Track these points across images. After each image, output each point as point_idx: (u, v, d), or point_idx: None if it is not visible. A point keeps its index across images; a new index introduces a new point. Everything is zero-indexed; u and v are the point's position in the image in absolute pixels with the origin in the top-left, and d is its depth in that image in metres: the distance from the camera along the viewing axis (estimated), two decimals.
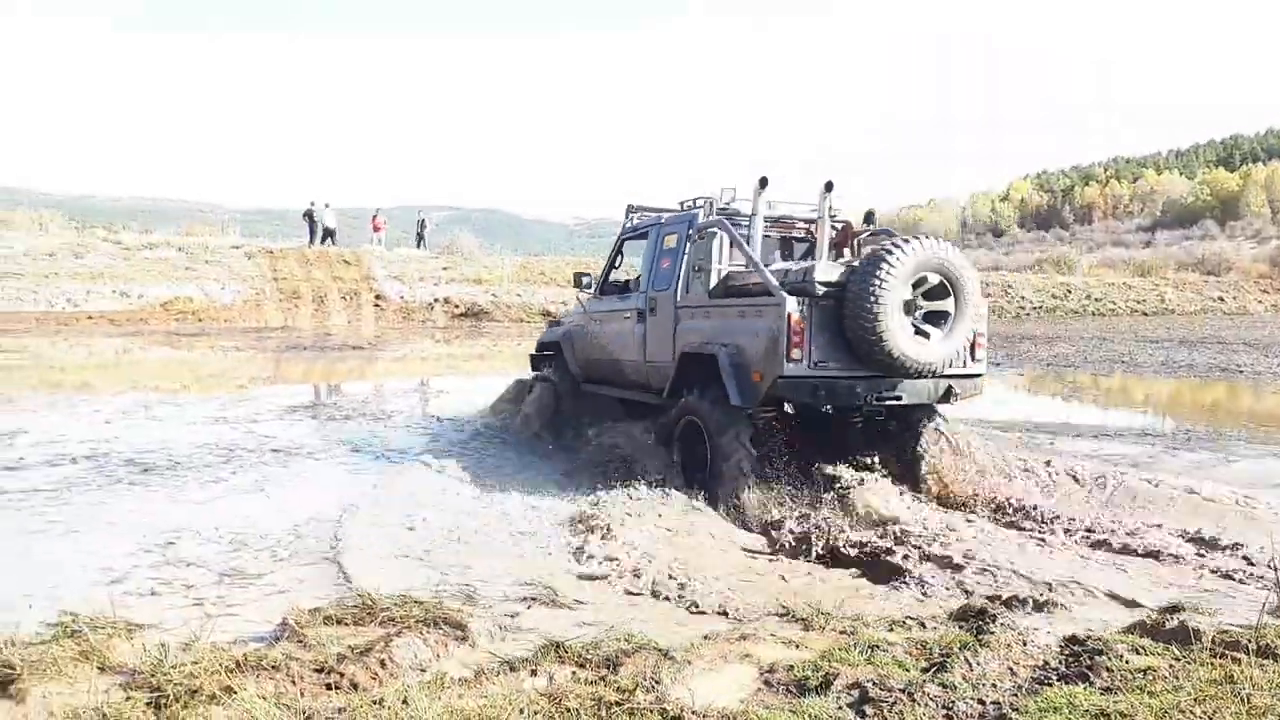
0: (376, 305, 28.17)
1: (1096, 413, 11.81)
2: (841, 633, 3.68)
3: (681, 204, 7.35)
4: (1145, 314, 38.32)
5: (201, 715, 2.74)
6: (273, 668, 3.06)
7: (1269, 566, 4.62)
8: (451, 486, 6.61)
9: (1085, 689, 3.02)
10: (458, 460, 7.50)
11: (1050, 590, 4.38)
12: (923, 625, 3.81)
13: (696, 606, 4.18)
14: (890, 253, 5.62)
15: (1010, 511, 5.99)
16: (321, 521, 5.52)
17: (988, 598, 4.16)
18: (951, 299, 5.85)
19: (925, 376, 5.90)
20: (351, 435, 8.78)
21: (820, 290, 5.76)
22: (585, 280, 8.39)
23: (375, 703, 2.86)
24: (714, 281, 6.66)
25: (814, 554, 5.13)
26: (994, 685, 3.11)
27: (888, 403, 6.00)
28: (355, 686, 3.01)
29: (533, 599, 4.16)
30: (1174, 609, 3.78)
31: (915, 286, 5.74)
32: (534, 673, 3.18)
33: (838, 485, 6.15)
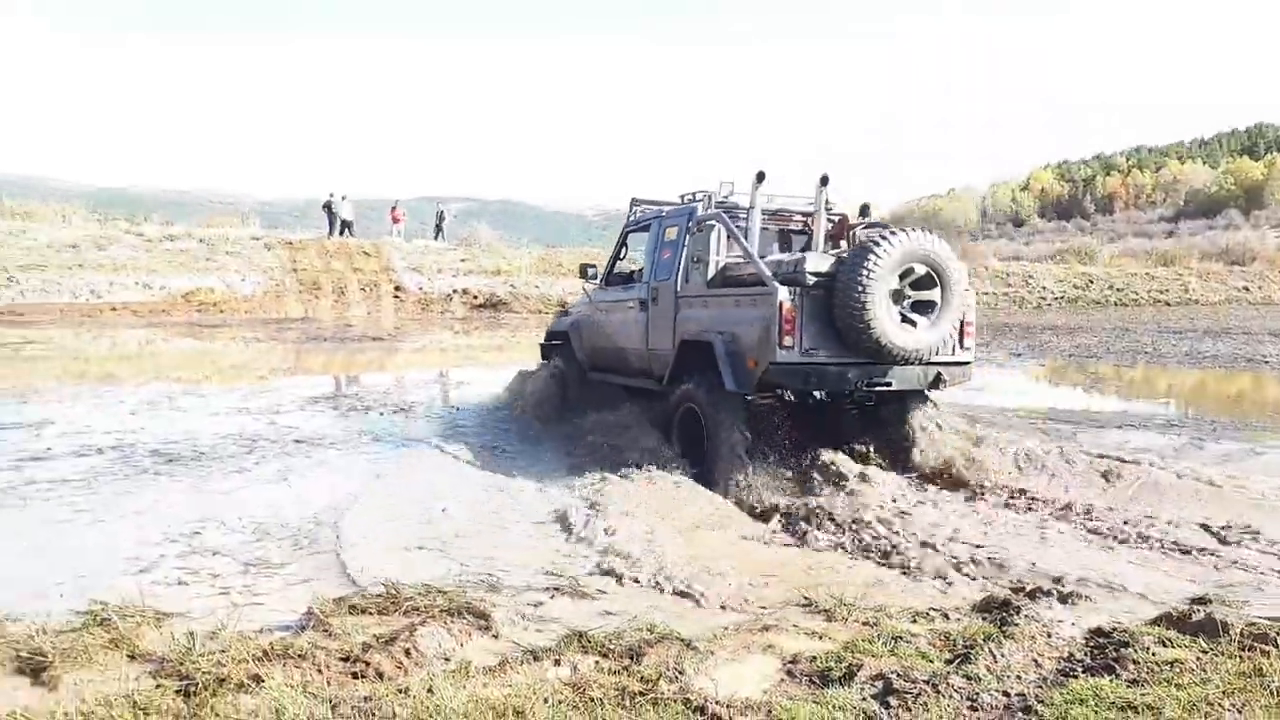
0: (396, 296, 28.26)
1: (1120, 403, 11.71)
2: (864, 624, 3.68)
3: (682, 197, 7.55)
4: (1168, 304, 37.93)
5: (230, 704, 2.76)
6: (299, 657, 3.09)
7: None
8: (470, 477, 6.64)
9: (1111, 681, 3.00)
10: (475, 450, 7.56)
11: (1057, 584, 4.35)
12: (945, 616, 3.80)
13: (706, 598, 4.13)
14: (877, 244, 5.84)
15: (1020, 498, 6.04)
16: (343, 511, 5.55)
17: (1011, 589, 4.14)
18: (938, 289, 6.05)
19: (913, 363, 6.11)
20: (373, 426, 8.83)
21: (811, 280, 5.98)
22: (591, 271, 8.66)
23: (401, 692, 2.88)
24: (712, 272, 6.86)
25: (822, 542, 5.14)
26: (1018, 677, 3.10)
27: (878, 389, 6.24)
28: (381, 675, 3.03)
29: (555, 589, 4.18)
30: (1201, 601, 3.76)
31: (902, 277, 5.96)
32: (557, 662, 3.19)
33: (835, 472, 6.25)
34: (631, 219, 8.36)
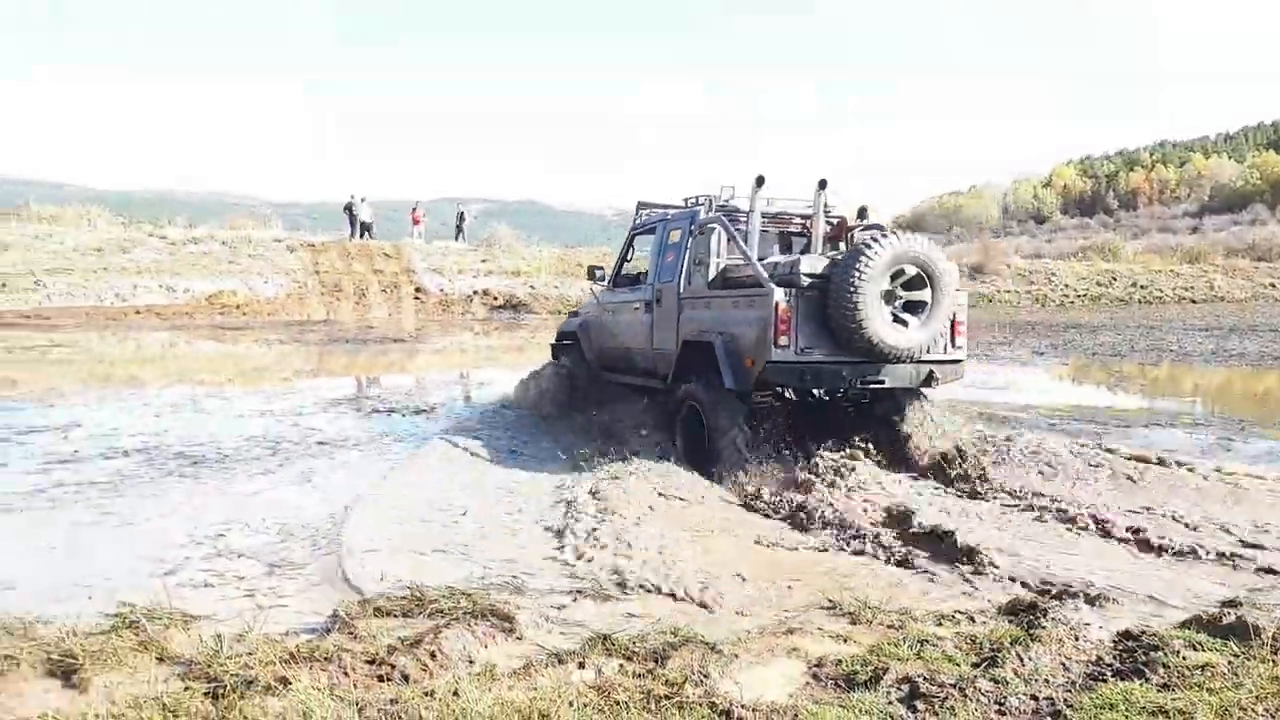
0: (416, 298, 28.40)
1: (1145, 402, 11.60)
2: (889, 627, 3.65)
3: (686, 201, 7.78)
4: (1194, 301, 37.53)
5: (258, 706, 2.78)
6: (325, 659, 3.10)
7: None
8: (484, 479, 6.60)
9: (1141, 685, 2.97)
10: (491, 451, 7.56)
11: (1082, 587, 4.31)
12: (971, 619, 3.77)
13: (722, 605, 4.08)
14: (869, 246, 6.04)
15: (1030, 498, 5.97)
16: (359, 513, 5.58)
17: (1038, 591, 4.10)
18: (928, 290, 6.24)
19: (904, 361, 6.32)
20: (394, 428, 8.87)
21: (806, 282, 6.18)
22: (599, 273, 8.86)
23: (426, 694, 2.89)
24: (713, 274, 7.06)
25: (835, 543, 5.10)
26: (1046, 681, 3.08)
27: (872, 386, 6.45)
28: (406, 678, 3.04)
29: (578, 591, 4.17)
30: (1232, 604, 3.72)
31: (894, 278, 6.14)
32: (582, 665, 3.20)
33: (840, 470, 6.33)
34: (637, 222, 8.57)
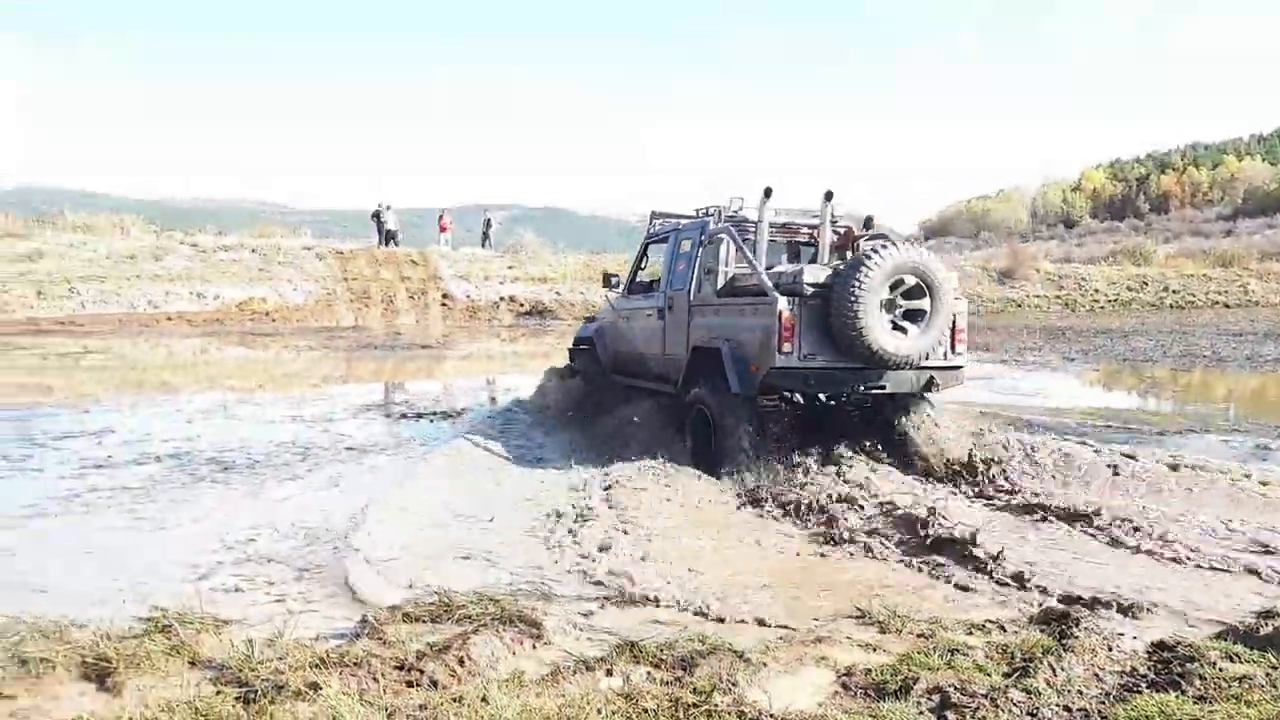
0: (444, 304, 28.56)
1: (1177, 408, 11.44)
2: (919, 636, 3.62)
3: (697, 211, 8.02)
4: (1227, 306, 36.99)
5: (289, 711, 2.80)
6: (355, 664, 3.12)
7: None
8: (505, 486, 6.59)
9: (1177, 697, 2.93)
10: (513, 456, 7.63)
11: (1112, 597, 4.25)
12: (1003, 629, 3.73)
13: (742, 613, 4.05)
14: (869, 257, 6.26)
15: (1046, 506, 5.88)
16: (398, 517, 5.61)
17: (1070, 600, 4.05)
18: (927, 298, 6.43)
19: (904, 368, 6.52)
20: (423, 433, 8.92)
21: (809, 290, 6.38)
22: (614, 280, 9.09)
23: (455, 700, 2.90)
24: (721, 282, 7.28)
25: (853, 549, 5.09)
26: (1080, 692, 3.04)
27: (873, 391, 6.68)
28: (435, 684, 3.05)
29: (605, 598, 4.17)
30: (1269, 614, 3.66)
31: (894, 287, 6.33)
32: (610, 672, 3.19)
33: (848, 473, 6.48)
34: (651, 231, 8.81)
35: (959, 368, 6.90)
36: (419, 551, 4.91)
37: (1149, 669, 3.22)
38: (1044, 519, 5.60)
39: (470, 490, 6.40)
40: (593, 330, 9.71)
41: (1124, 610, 3.93)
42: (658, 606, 4.05)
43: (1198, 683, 3.02)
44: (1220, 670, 3.10)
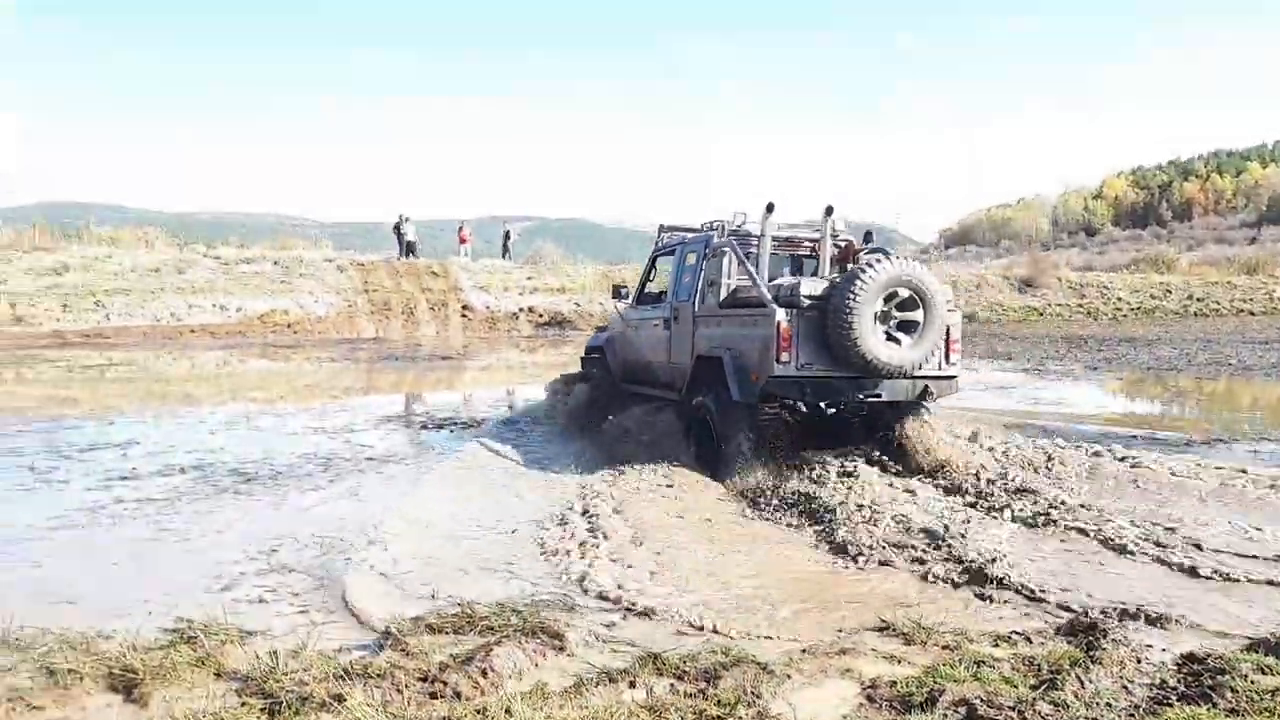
0: (464, 315, 28.66)
1: (1202, 416, 11.31)
2: (944, 648, 3.59)
3: (702, 225, 8.30)
4: (1252, 314, 36.56)
5: None
6: (379, 676, 3.13)
7: None
8: (525, 497, 6.64)
9: (1208, 710, 2.89)
10: (531, 466, 7.73)
11: (1136, 608, 4.19)
12: (1029, 640, 3.70)
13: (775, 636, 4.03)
14: (864, 270, 6.51)
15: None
16: (416, 528, 5.63)
17: (1100, 611, 4.01)
18: (921, 310, 6.66)
19: (898, 377, 6.74)
20: (443, 443, 8.94)
21: (806, 302, 6.65)
22: (623, 291, 9.61)
23: (479, 712, 2.90)
24: (724, 294, 7.51)
25: (869, 560, 5.05)
26: (1108, 705, 3.00)
27: (870, 400, 6.91)
28: (458, 695, 3.05)
29: (628, 609, 4.16)
30: None
31: (888, 300, 6.59)
32: (633, 684, 3.18)
33: (856, 479, 6.59)
34: (659, 244, 9.11)
35: (953, 377, 7.14)
36: (426, 561, 4.93)
37: (1179, 681, 3.18)
38: (1064, 528, 5.55)
39: (480, 500, 6.46)
40: (603, 340, 10.04)
41: (1152, 621, 3.89)
42: (670, 623, 4.02)
43: (1229, 695, 2.98)
44: (1252, 683, 3.05)
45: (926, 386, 6.96)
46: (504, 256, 36.28)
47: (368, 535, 5.41)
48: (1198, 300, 38.11)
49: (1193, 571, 4.71)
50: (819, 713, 2.98)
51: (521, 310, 29.48)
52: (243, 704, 2.97)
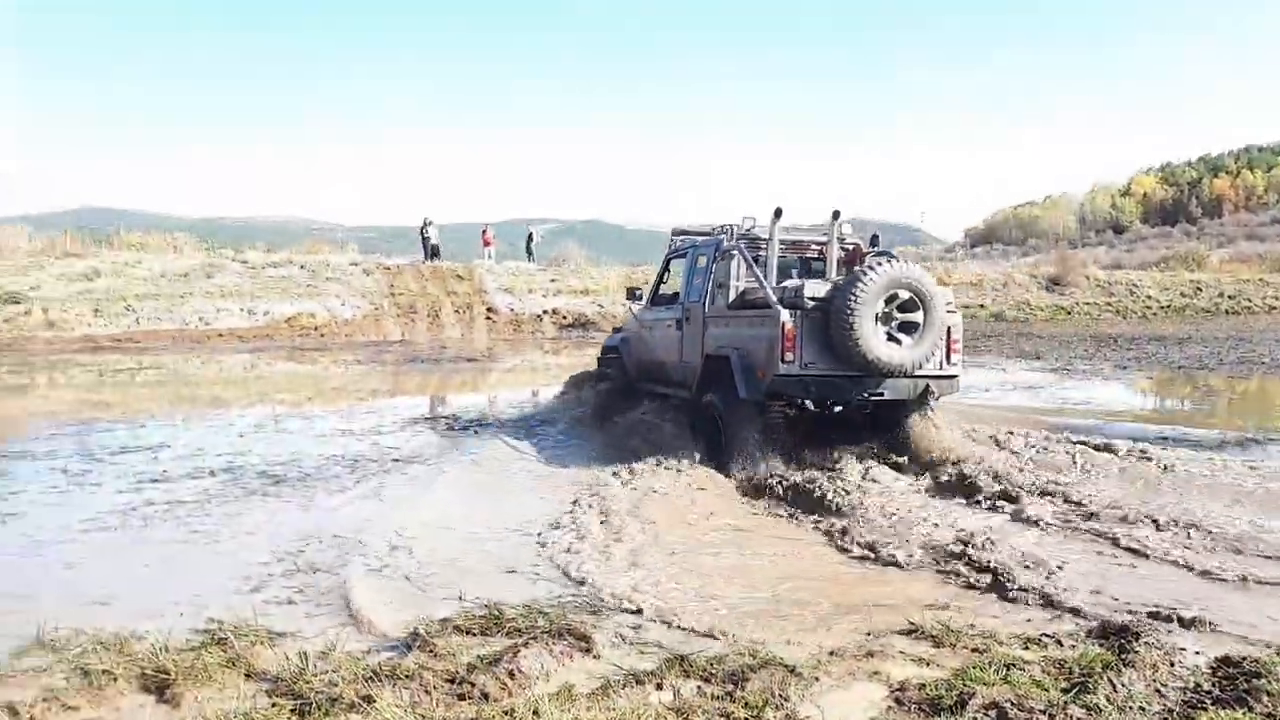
0: (488, 318, 28.77)
1: (1239, 417, 11.16)
2: (973, 650, 3.56)
3: (713, 229, 8.60)
4: None
5: None
6: (407, 677, 3.15)
7: None
8: (547, 498, 6.65)
9: (1245, 714, 2.85)
10: (555, 467, 7.81)
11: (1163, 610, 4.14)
12: (1059, 643, 3.66)
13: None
14: (865, 273, 6.75)
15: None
16: (438, 531, 5.66)
17: (1130, 613, 3.96)
18: (921, 312, 6.90)
19: (898, 376, 6.97)
20: (469, 445, 8.97)
21: (810, 304, 6.89)
22: (637, 293, 9.95)
23: (506, 713, 2.91)
24: (732, 296, 7.81)
25: (889, 560, 5.03)
26: (1141, 708, 2.97)
27: (873, 398, 7.14)
28: (486, 697, 3.06)
29: (652, 613, 4.15)
30: None
31: (889, 301, 6.82)
32: (660, 686, 3.18)
33: (869, 478, 6.78)
34: (672, 247, 9.38)
35: (954, 376, 7.38)
36: (448, 564, 4.95)
37: (1213, 685, 3.14)
38: (1091, 530, 5.50)
39: (503, 500, 6.52)
40: (618, 340, 10.37)
41: (1185, 624, 3.84)
42: (695, 626, 4.01)
43: (1265, 699, 2.94)
44: None
45: (928, 386, 7.19)
46: (528, 259, 36.42)
47: (389, 541, 5.41)
48: (1229, 298, 37.62)
49: (1225, 574, 4.65)
50: (847, 715, 2.97)
51: (545, 312, 29.55)
52: (273, 705, 3.00)
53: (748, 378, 7.12)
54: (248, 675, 3.29)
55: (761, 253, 7.75)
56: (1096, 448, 7.72)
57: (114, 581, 4.72)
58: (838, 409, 7.97)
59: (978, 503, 6.21)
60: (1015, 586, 4.41)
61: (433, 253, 32.90)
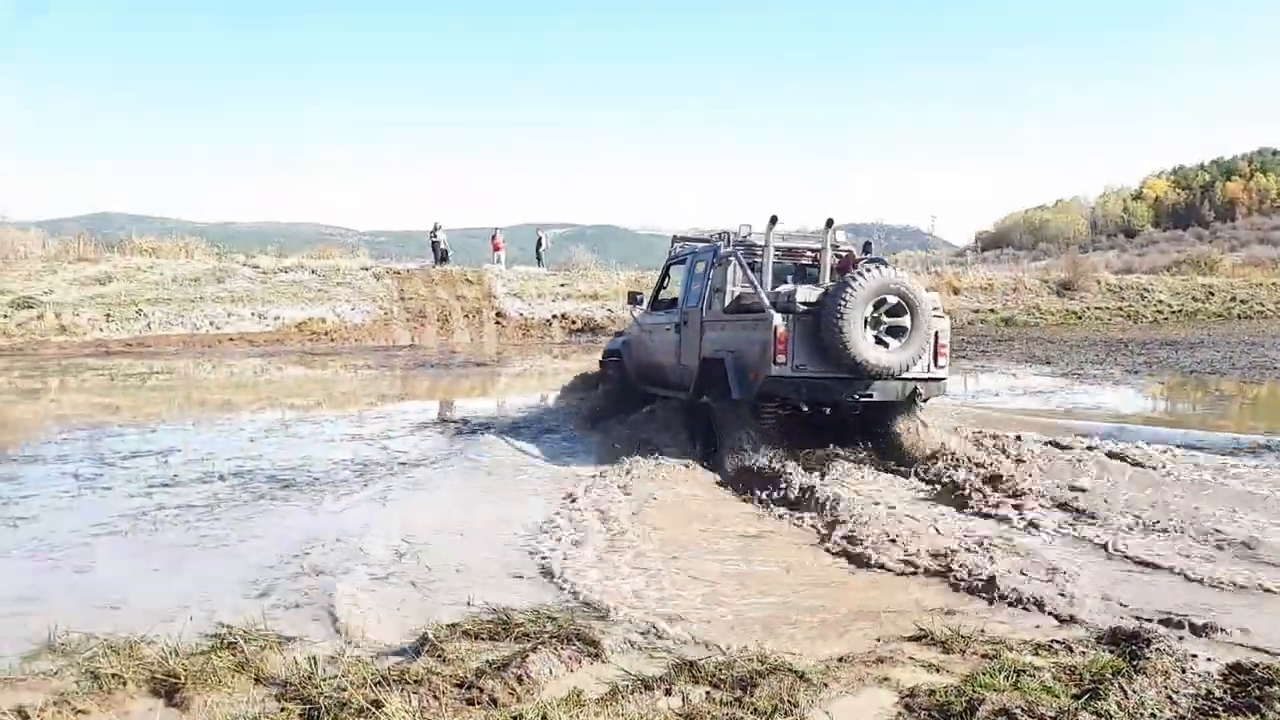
0: (498, 322, 28.83)
1: (1252, 421, 11.09)
2: (983, 656, 3.54)
3: (711, 236, 8.94)
4: None
5: None
6: (415, 682, 3.14)
7: None
8: (555, 505, 6.66)
9: None
10: (562, 465, 7.88)
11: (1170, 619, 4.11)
12: (1070, 649, 3.64)
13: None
14: (854, 279, 7.00)
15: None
16: (443, 536, 5.66)
17: (1141, 619, 3.94)
18: (908, 316, 7.14)
19: (886, 378, 7.19)
20: (479, 449, 8.97)
21: (801, 308, 7.14)
22: (639, 298, 10.19)
23: (515, 719, 2.90)
24: (728, 300, 8.10)
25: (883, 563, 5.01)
26: (1153, 715, 2.96)
27: (863, 399, 7.35)
28: (495, 702, 3.06)
29: (665, 616, 4.15)
30: None
31: (877, 306, 7.06)
32: (668, 692, 3.17)
33: (855, 477, 7.02)
34: (672, 254, 9.73)
35: (941, 379, 7.63)
36: (456, 570, 4.95)
37: (1225, 692, 3.12)
38: (1097, 535, 5.48)
39: (508, 505, 6.52)
40: (620, 344, 10.67)
41: (1196, 631, 3.82)
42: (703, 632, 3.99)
43: (1277, 707, 2.92)
44: None
45: (915, 388, 7.43)
46: (537, 263, 36.47)
47: (396, 548, 5.41)
48: (1241, 302, 37.44)
49: (1236, 581, 4.61)
50: None
51: (554, 317, 29.60)
52: (282, 709, 3.00)
53: (741, 379, 7.37)
54: (257, 680, 3.30)
55: (758, 259, 7.96)
56: (1110, 454, 7.69)
57: (124, 585, 4.73)
58: (828, 410, 8.11)
59: (983, 510, 6.15)
60: (1023, 593, 4.38)
61: (442, 257, 33.02)
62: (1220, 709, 2.98)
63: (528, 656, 3.36)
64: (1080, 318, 34.75)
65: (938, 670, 3.42)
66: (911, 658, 3.54)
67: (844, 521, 5.65)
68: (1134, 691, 3.08)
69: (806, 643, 3.79)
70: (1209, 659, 3.46)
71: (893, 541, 5.23)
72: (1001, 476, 6.77)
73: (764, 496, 6.50)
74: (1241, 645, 3.69)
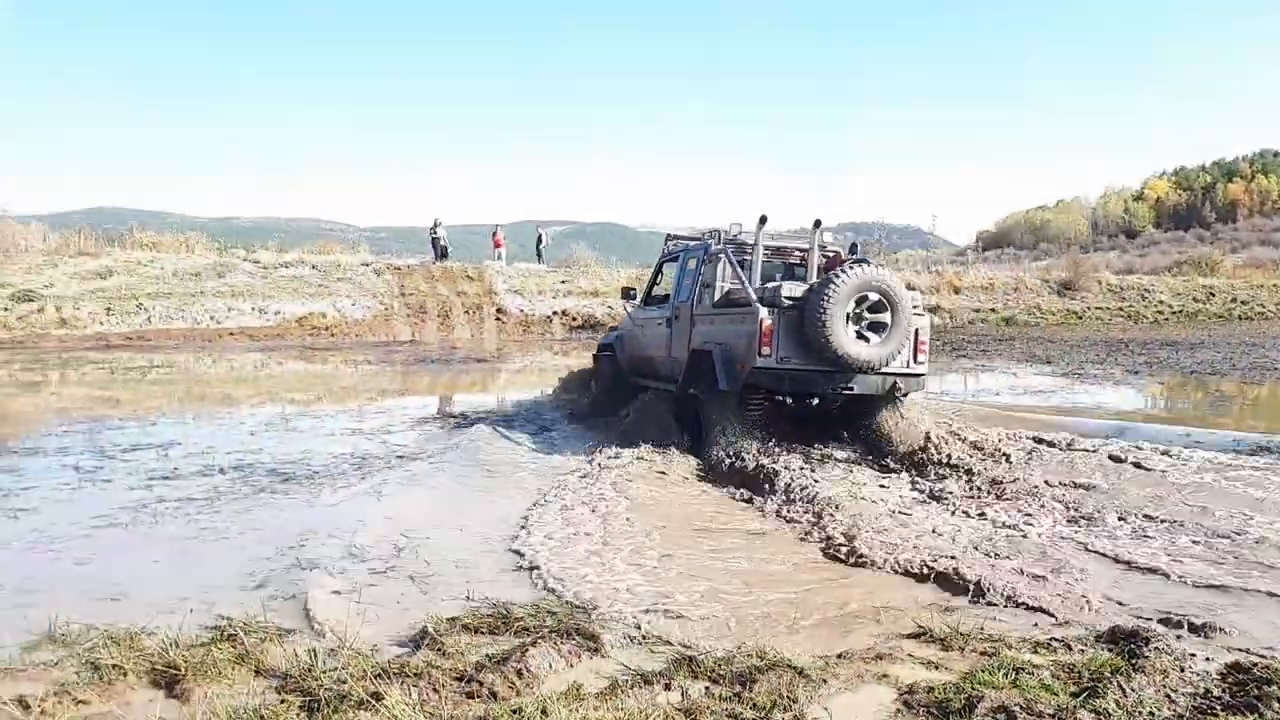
0: (498, 319, 28.84)
1: (1253, 420, 11.09)
2: (982, 654, 3.55)
3: (702, 234, 9.20)
4: None
5: None
6: (415, 675, 3.15)
7: None
8: (553, 500, 6.67)
9: None
10: (559, 457, 7.89)
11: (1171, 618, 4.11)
12: (1068, 647, 3.64)
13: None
14: (837, 276, 7.24)
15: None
16: (451, 530, 5.67)
17: (1140, 618, 3.95)
18: (889, 313, 7.40)
19: (866, 372, 7.46)
20: (477, 444, 8.97)
21: (786, 303, 7.41)
22: (632, 293, 10.61)
23: (514, 712, 2.91)
24: (718, 295, 8.35)
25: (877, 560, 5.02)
26: (1151, 714, 2.96)
27: (844, 392, 7.63)
28: (494, 695, 3.06)
29: (665, 611, 4.16)
30: None
31: (859, 302, 7.33)
32: (668, 687, 3.18)
33: (847, 472, 7.16)
34: (665, 250, 9.98)
35: (920, 375, 7.87)
36: (456, 565, 4.96)
37: (1223, 691, 3.12)
38: (1097, 534, 5.49)
39: (506, 499, 6.49)
40: (613, 338, 11.00)
41: (1195, 630, 3.82)
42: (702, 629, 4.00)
43: (1276, 706, 2.92)
44: None
45: (895, 382, 7.67)
46: (537, 260, 36.49)
47: (395, 543, 5.41)
48: (1242, 303, 37.44)
49: (1234, 581, 4.62)
50: (856, 718, 2.97)
51: (555, 313, 29.61)
52: (282, 701, 3.00)
53: (728, 370, 7.66)
54: (257, 671, 3.30)
55: (747, 256, 8.23)
56: (1111, 456, 7.69)
57: (124, 577, 4.74)
58: (813, 402, 8.35)
59: (982, 510, 6.14)
60: (1022, 592, 4.38)
61: (442, 254, 33.03)
62: (1219, 708, 2.98)
63: (527, 651, 3.36)
64: (1081, 318, 34.75)
65: (937, 667, 3.43)
66: (910, 655, 3.55)
67: (839, 520, 5.66)
68: (1132, 690, 3.09)
69: (805, 640, 3.80)
70: (1208, 658, 3.47)
71: (891, 541, 5.23)
72: (1001, 476, 6.79)
73: (747, 495, 6.55)
74: (1241, 647, 3.70)
